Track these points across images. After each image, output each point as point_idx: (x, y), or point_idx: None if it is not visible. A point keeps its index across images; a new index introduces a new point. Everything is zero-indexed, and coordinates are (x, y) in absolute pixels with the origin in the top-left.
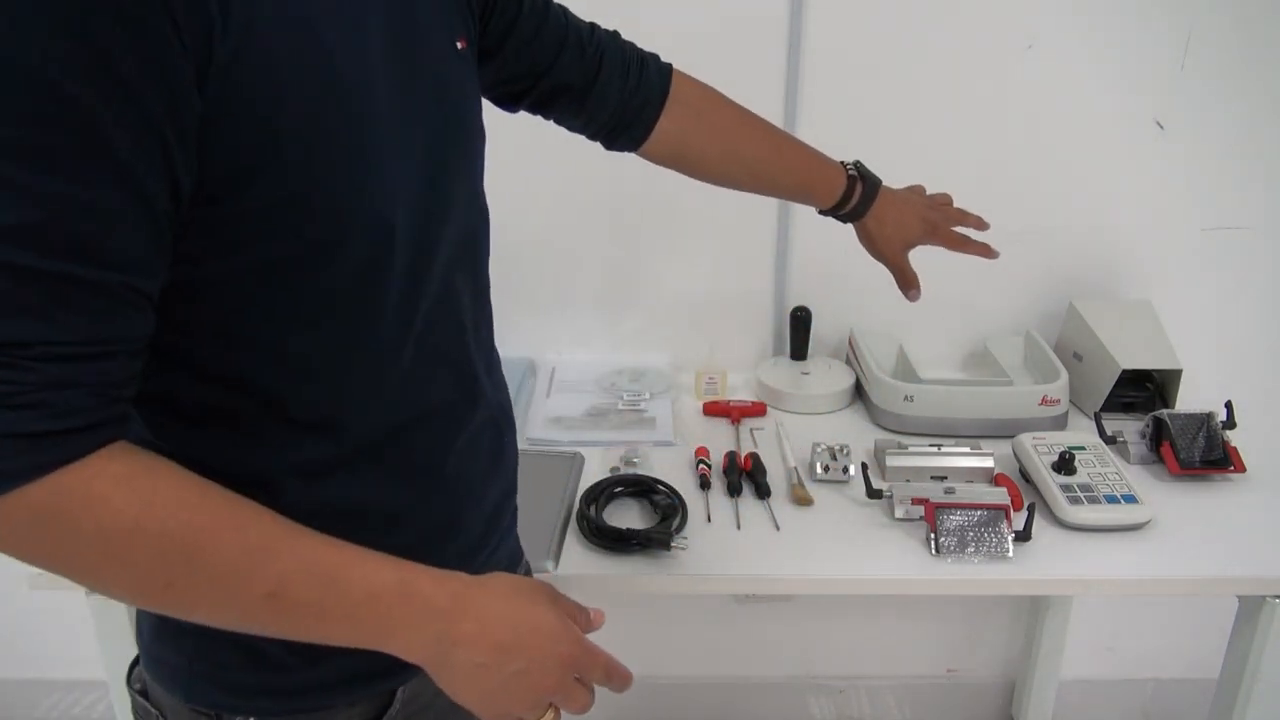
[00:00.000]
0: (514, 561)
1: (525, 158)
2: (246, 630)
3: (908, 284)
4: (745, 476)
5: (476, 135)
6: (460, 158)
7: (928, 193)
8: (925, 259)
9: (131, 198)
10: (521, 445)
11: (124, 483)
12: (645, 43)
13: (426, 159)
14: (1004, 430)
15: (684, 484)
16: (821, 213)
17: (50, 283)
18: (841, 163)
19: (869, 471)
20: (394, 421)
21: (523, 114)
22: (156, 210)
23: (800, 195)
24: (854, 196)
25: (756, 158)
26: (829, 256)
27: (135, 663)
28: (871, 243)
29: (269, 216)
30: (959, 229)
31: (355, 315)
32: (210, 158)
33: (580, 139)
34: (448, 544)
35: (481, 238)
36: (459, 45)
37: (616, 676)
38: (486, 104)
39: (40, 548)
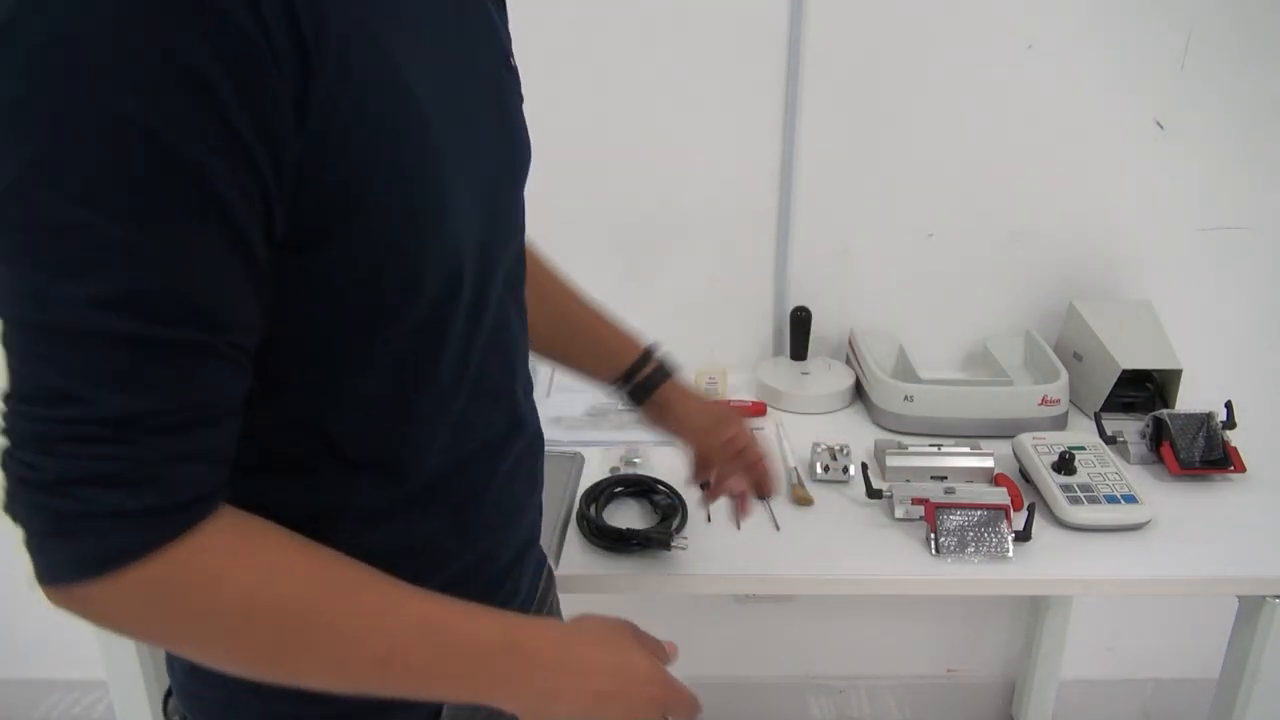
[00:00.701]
0: (539, 567)
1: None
2: (351, 693)
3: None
4: None
5: (528, 156)
6: (515, 184)
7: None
8: (925, 258)
9: (240, 257)
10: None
11: (235, 555)
12: (645, 43)
13: (487, 187)
14: (1004, 430)
15: (684, 484)
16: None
17: (161, 350)
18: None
19: (869, 471)
20: (450, 459)
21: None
22: (258, 266)
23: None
24: (643, 370)
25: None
26: (829, 256)
27: (169, 694)
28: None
29: (352, 263)
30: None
31: (422, 355)
32: (300, 206)
33: (580, 139)
34: (486, 569)
35: (524, 260)
36: (511, 60)
37: (696, 709)
38: None
39: (152, 623)
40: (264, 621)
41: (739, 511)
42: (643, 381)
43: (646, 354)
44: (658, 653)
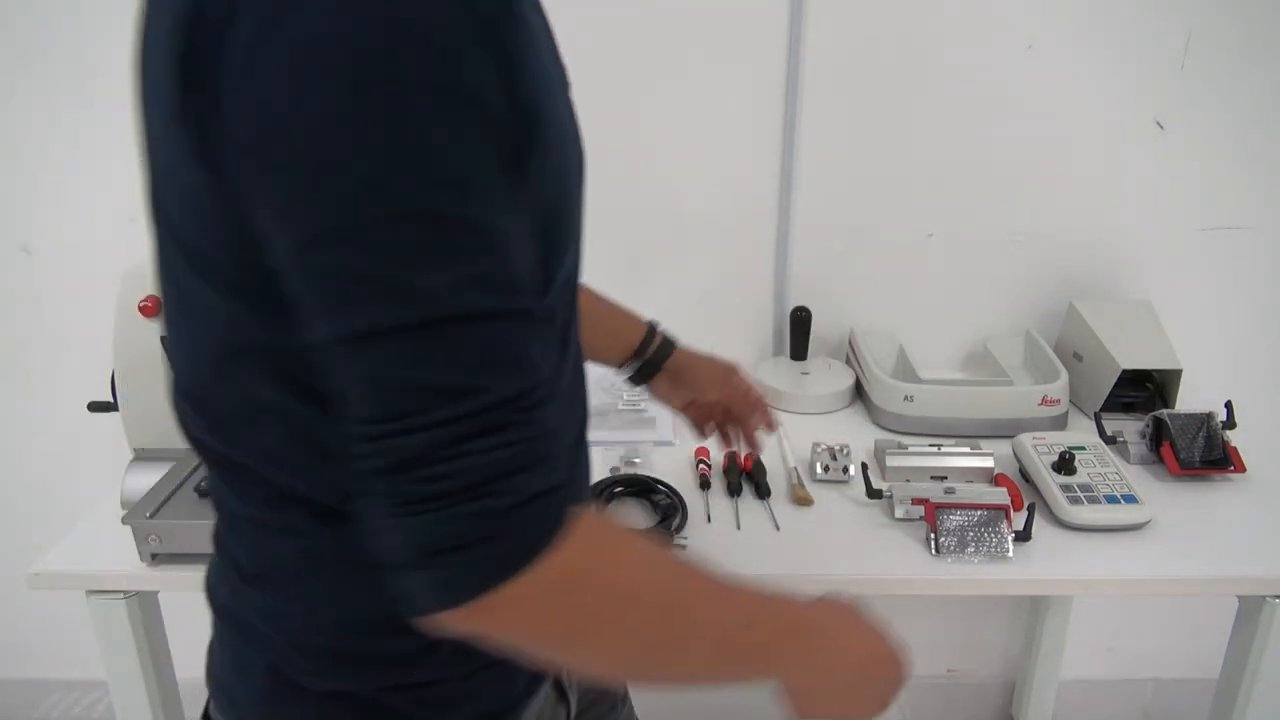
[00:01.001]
0: None
1: None
2: (696, 683)
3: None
4: (745, 476)
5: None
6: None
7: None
8: (925, 257)
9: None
10: None
11: (610, 542)
12: (645, 43)
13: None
14: (1004, 430)
15: (684, 484)
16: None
17: (529, 322)
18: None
19: (869, 471)
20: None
21: None
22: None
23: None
24: (651, 345)
25: None
26: (829, 256)
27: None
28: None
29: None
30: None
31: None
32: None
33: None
34: None
35: None
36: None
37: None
38: None
39: (555, 620)
40: (650, 608)
41: (752, 450)
42: (651, 357)
43: (651, 330)
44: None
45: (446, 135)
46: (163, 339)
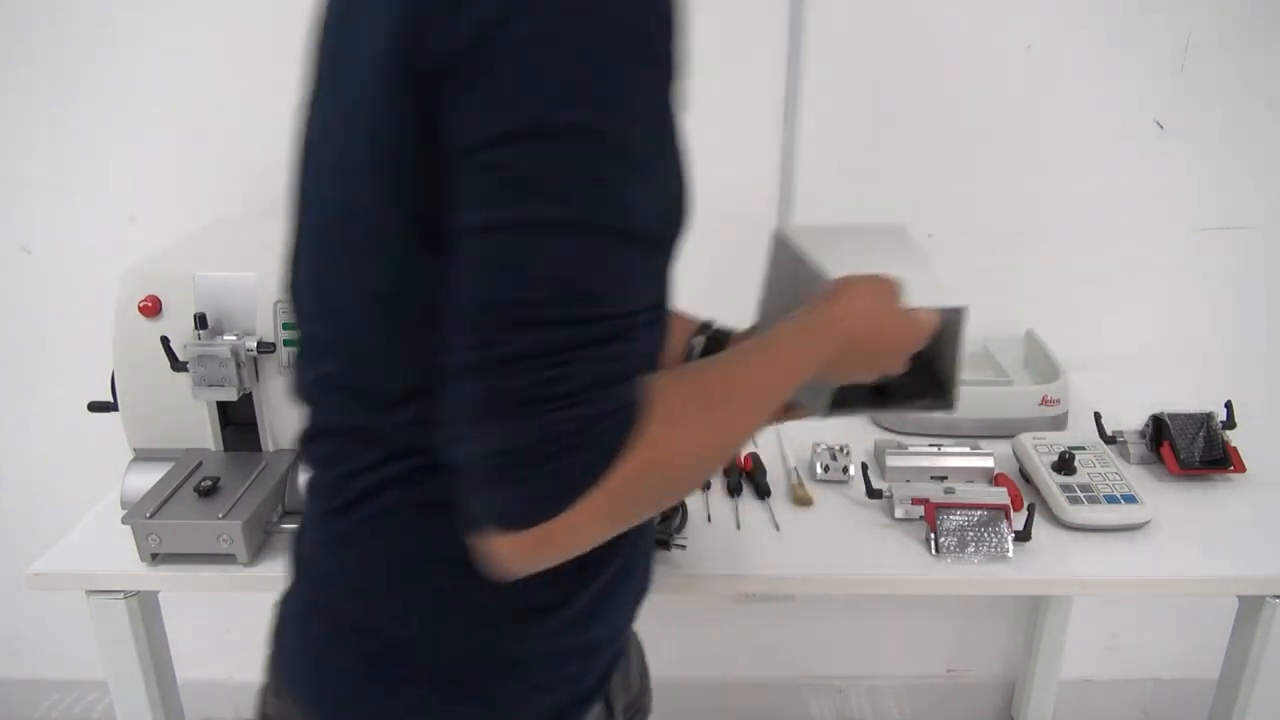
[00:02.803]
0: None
1: None
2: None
3: None
4: (745, 476)
5: None
6: None
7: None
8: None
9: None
10: None
11: (672, 390)
12: None
13: None
14: (1004, 430)
15: None
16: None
17: (660, 250)
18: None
19: (869, 471)
20: None
21: None
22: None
23: None
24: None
25: None
26: None
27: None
28: None
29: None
30: None
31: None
32: None
33: None
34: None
35: None
36: None
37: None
38: None
39: (630, 507)
40: (721, 446)
41: None
42: (710, 344)
43: (705, 324)
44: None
45: (647, 76)
46: (298, 315)
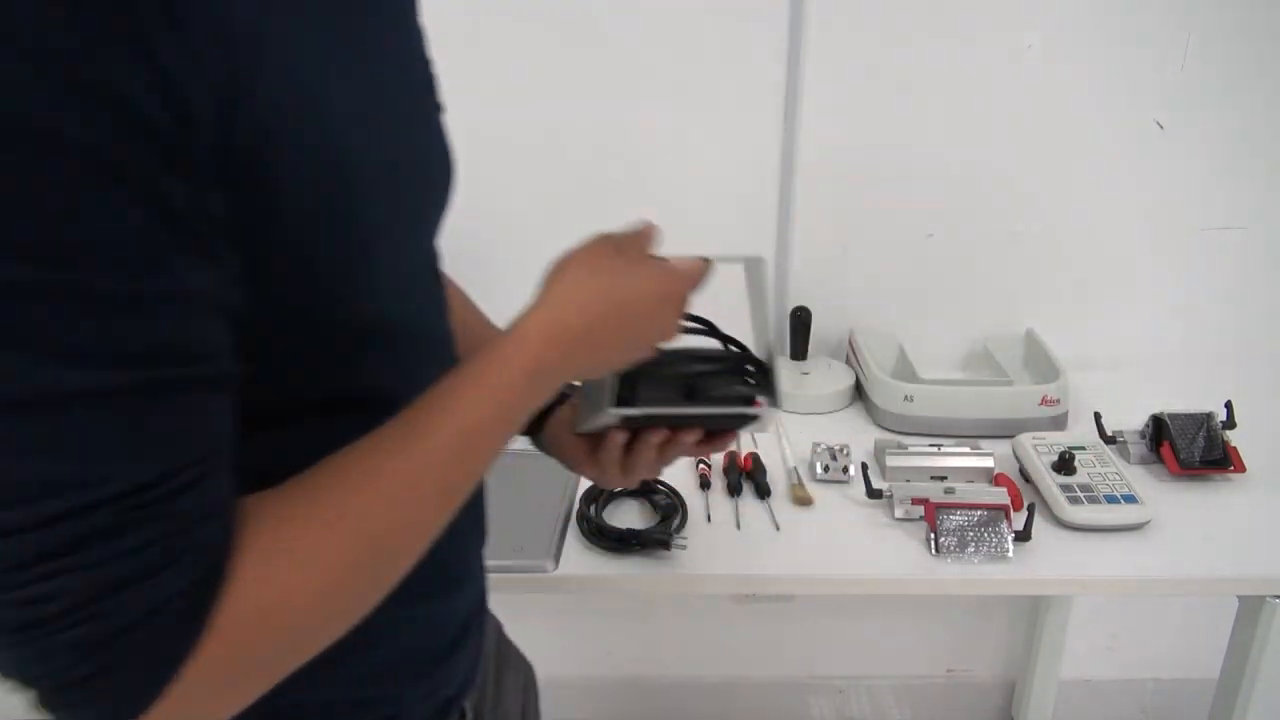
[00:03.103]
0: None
1: (520, 159)
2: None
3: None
4: (745, 476)
5: (451, 169)
6: (439, 202)
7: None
8: (925, 258)
9: (205, 280)
10: (522, 445)
11: (272, 556)
12: (644, 42)
13: (413, 203)
14: (1004, 430)
15: (684, 484)
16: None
17: (158, 397)
18: None
19: (869, 471)
20: None
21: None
22: (222, 285)
23: None
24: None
25: None
26: (829, 256)
27: None
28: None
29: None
30: None
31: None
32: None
33: (579, 140)
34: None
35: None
36: (431, 67)
37: (699, 274)
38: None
39: (249, 677)
40: (344, 586)
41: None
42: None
43: None
44: (638, 244)
45: (54, 179)
46: None
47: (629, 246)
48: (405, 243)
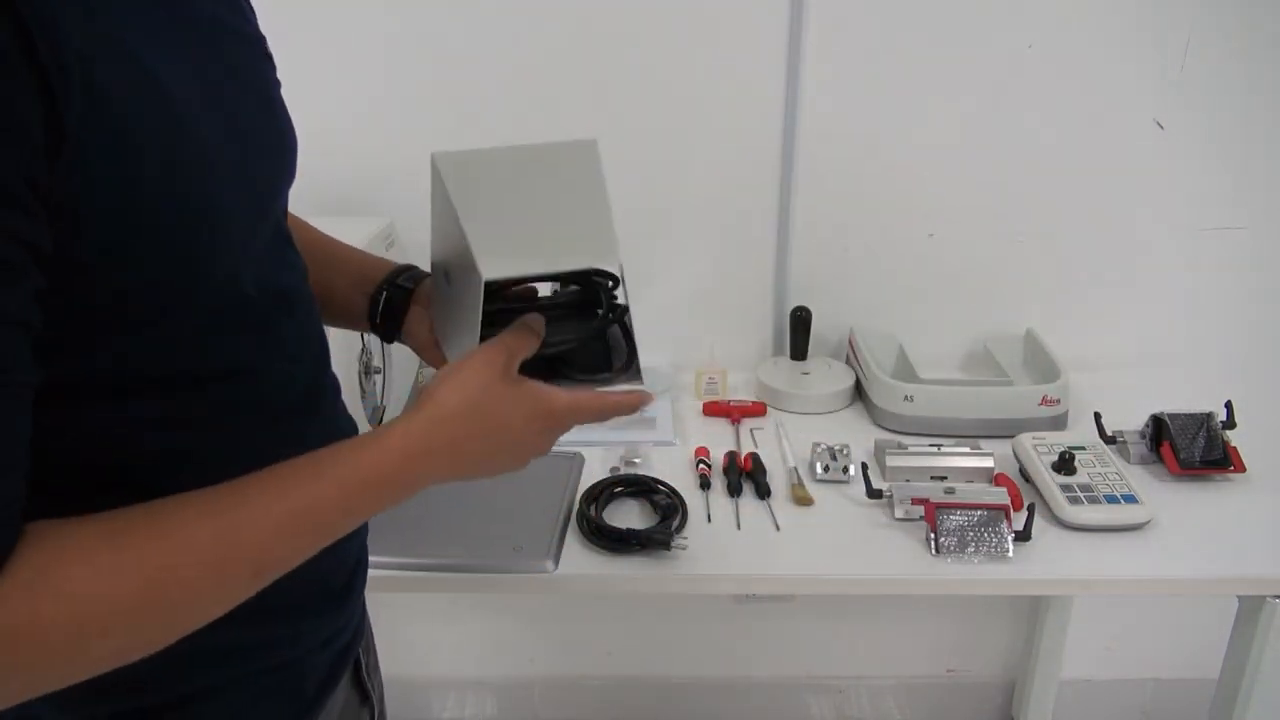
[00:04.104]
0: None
1: None
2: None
3: None
4: (745, 476)
5: (293, 144)
6: (283, 176)
7: None
8: (925, 258)
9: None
10: None
11: (46, 590)
12: (644, 41)
13: (259, 181)
14: (1004, 430)
15: (684, 484)
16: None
17: None
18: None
19: (869, 471)
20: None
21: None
22: (31, 293)
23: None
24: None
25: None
26: (829, 256)
27: None
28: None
29: (134, 272)
30: None
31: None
32: (67, 228)
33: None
34: None
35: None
36: (265, 47)
37: (619, 411)
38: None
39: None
40: (106, 632)
41: None
42: (409, 276)
43: (404, 266)
44: (522, 347)
45: None
46: None
47: (510, 362)
48: (255, 214)
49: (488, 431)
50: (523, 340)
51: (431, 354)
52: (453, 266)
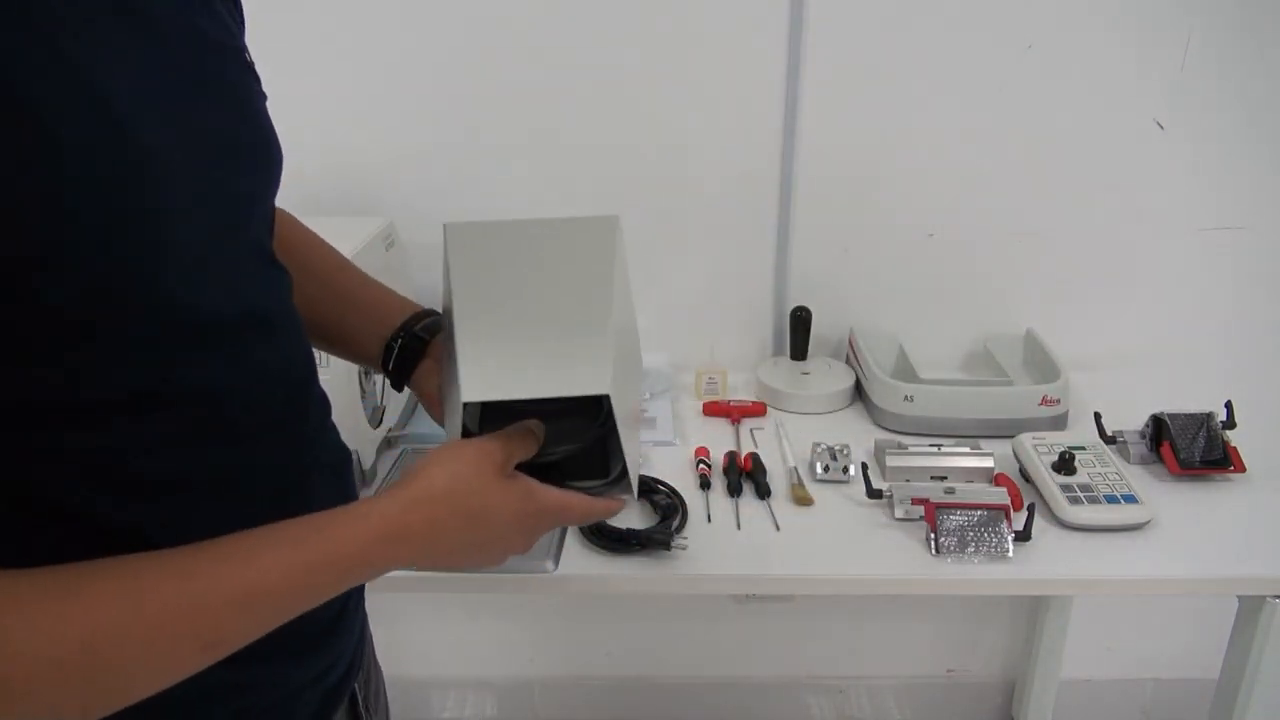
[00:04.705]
0: None
1: (522, 158)
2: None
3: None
4: (745, 476)
5: (274, 157)
6: (262, 186)
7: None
8: (925, 258)
9: None
10: None
11: None
12: (644, 39)
13: (221, 190)
14: (1004, 430)
15: (684, 484)
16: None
17: None
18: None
19: (869, 471)
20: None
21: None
22: None
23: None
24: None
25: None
26: (829, 256)
27: None
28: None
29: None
30: None
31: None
32: None
33: (578, 138)
34: None
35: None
36: (246, 56)
37: (603, 515)
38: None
39: None
40: (31, 691)
41: None
42: (427, 325)
43: (426, 311)
44: (520, 450)
45: None
46: None
47: (506, 462)
48: (221, 227)
49: (472, 522)
50: (522, 444)
51: (435, 410)
52: (451, 350)
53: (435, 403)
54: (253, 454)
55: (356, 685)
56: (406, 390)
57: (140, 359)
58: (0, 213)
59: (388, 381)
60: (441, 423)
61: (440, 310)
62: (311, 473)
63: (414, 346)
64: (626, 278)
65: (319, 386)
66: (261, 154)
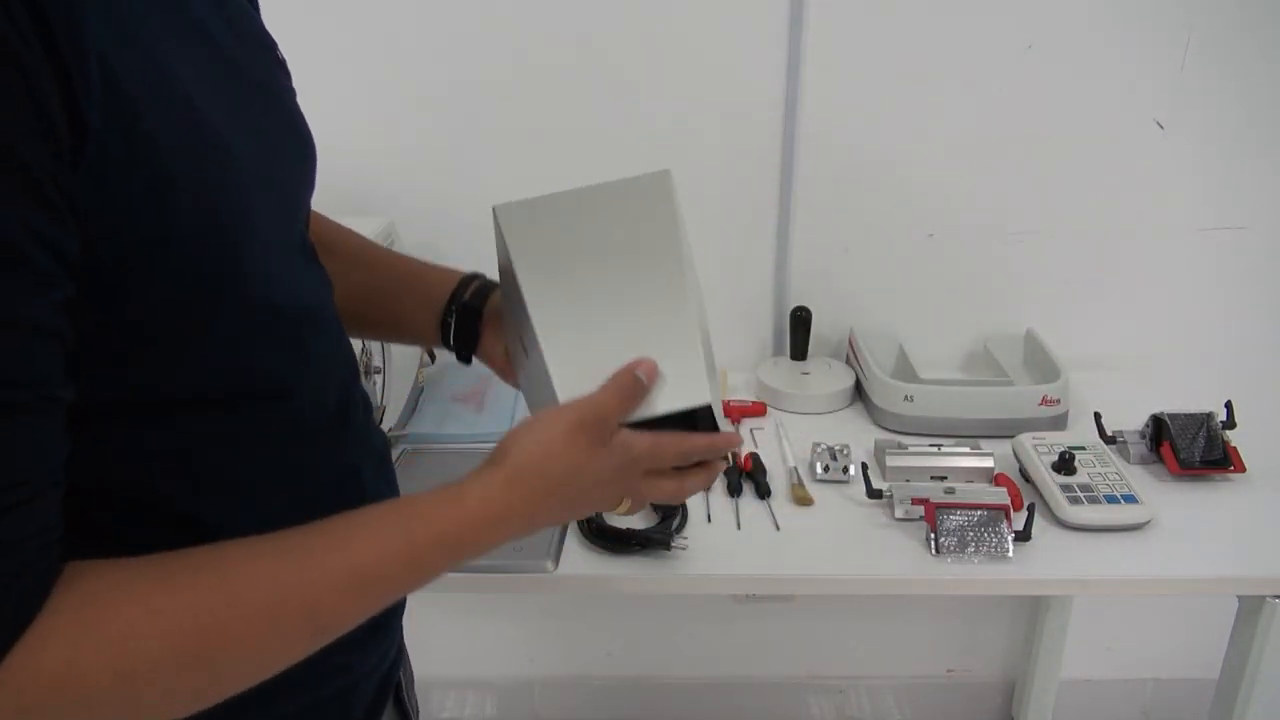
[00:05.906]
0: None
1: (522, 158)
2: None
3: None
4: (745, 476)
5: (312, 152)
6: (304, 183)
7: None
8: (925, 258)
9: (38, 297)
10: None
11: (86, 631)
12: (644, 39)
13: (282, 188)
14: (1004, 430)
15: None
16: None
17: None
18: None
19: (869, 471)
20: None
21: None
22: (62, 305)
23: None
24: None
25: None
26: (829, 256)
27: None
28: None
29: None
30: None
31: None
32: (90, 237)
33: (577, 138)
34: None
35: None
36: (278, 53)
37: (706, 454)
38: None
39: None
40: (154, 678)
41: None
42: (477, 290)
43: (470, 276)
44: (611, 423)
45: None
46: None
47: (602, 429)
48: (282, 226)
49: (567, 486)
50: (618, 398)
51: (509, 378)
52: (528, 346)
53: (506, 370)
54: (316, 446)
55: (400, 676)
56: (407, 390)
57: (222, 357)
58: (112, 212)
59: (446, 354)
60: (517, 386)
61: (483, 276)
62: (363, 463)
63: (469, 319)
64: (687, 236)
65: (362, 380)
66: (307, 150)
